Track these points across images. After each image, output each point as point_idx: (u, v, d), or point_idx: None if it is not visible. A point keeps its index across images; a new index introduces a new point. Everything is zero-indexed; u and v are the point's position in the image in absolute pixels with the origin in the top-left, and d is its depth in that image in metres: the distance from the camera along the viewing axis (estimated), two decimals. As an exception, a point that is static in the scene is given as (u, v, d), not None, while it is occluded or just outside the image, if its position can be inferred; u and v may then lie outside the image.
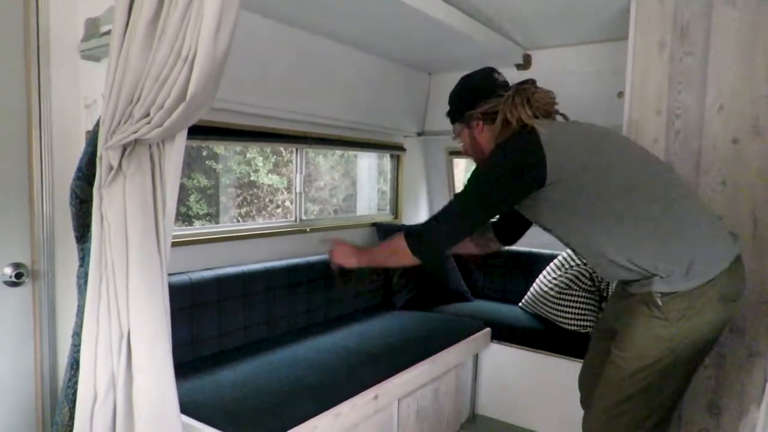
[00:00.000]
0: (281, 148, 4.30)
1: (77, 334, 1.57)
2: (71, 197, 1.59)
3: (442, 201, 3.68)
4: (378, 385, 2.38)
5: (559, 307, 3.15)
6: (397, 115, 3.81)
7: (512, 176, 1.69)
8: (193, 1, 1.25)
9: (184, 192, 4.20)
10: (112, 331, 1.47)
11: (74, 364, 1.58)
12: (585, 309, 3.09)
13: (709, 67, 2.18)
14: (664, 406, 1.68)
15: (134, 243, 1.43)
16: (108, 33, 1.64)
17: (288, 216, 3.59)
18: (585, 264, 3.18)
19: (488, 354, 3.28)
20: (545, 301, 3.24)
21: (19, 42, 1.81)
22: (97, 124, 1.50)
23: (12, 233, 1.84)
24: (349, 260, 2.05)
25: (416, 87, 3.87)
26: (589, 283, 3.15)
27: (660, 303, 1.59)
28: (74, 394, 1.56)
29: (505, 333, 3.24)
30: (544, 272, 3.40)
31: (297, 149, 3.38)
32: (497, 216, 2.11)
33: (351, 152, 4.45)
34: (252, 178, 4.98)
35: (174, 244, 1.58)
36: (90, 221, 1.53)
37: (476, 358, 3.28)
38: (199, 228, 3.22)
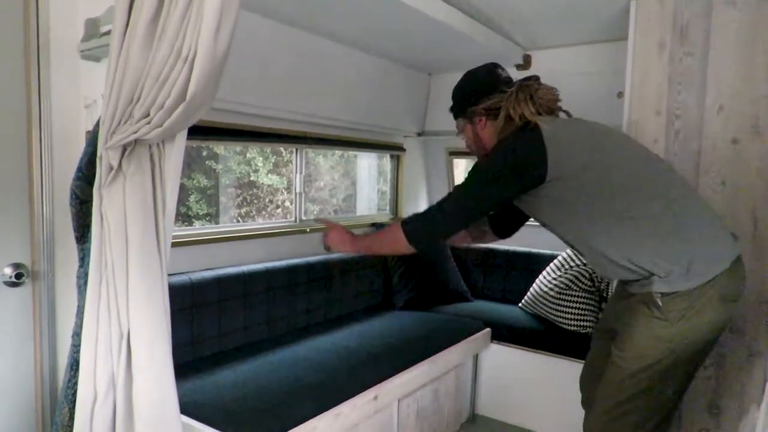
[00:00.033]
0: (281, 149, 4.30)
1: (77, 335, 1.57)
2: (71, 197, 1.59)
3: (442, 201, 3.67)
4: (378, 386, 2.38)
5: (559, 308, 3.15)
6: (397, 116, 3.81)
7: (513, 172, 1.69)
8: (193, 1, 1.25)
9: (184, 192, 4.20)
10: (112, 332, 1.46)
11: (74, 365, 1.58)
12: (585, 309, 3.09)
13: (708, 68, 2.18)
14: (665, 407, 1.68)
15: (134, 243, 1.43)
16: (108, 33, 1.64)
17: (288, 216, 3.59)
18: (585, 264, 3.18)
19: (488, 354, 3.28)
20: (545, 302, 3.24)
21: (19, 42, 1.81)
22: (97, 124, 1.50)
23: (12, 233, 1.84)
24: (344, 246, 2.03)
25: (416, 87, 3.87)
26: (589, 283, 3.15)
27: (660, 303, 1.59)
28: (74, 394, 1.56)
29: (505, 333, 3.24)
30: (544, 272, 3.40)
31: (297, 149, 3.38)
32: (495, 210, 2.11)
33: (351, 152, 4.45)
34: (252, 179, 4.98)
35: (174, 245, 1.58)
36: (90, 221, 1.53)
37: (476, 358, 3.28)
38: (199, 228, 3.22)
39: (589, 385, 1.98)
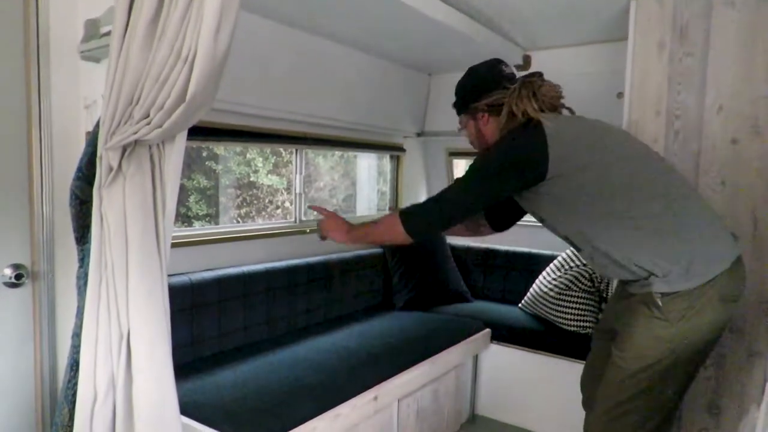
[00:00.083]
0: (281, 149, 4.30)
1: (77, 335, 1.57)
2: (71, 198, 1.59)
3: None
4: (378, 386, 2.38)
5: (559, 308, 3.15)
6: (396, 116, 3.81)
7: (514, 168, 1.69)
8: (193, 2, 1.25)
9: (183, 193, 4.20)
10: (111, 332, 1.46)
11: (74, 365, 1.58)
12: (585, 310, 3.09)
13: (708, 68, 2.19)
14: (665, 407, 1.68)
15: (134, 244, 1.43)
16: (108, 34, 1.64)
17: (288, 217, 3.60)
18: (585, 265, 3.18)
19: (488, 355, 3.28)
20: (545, 302, 3.24)
21: (19, 42, 1.81)
22: (97, 125, 1.50)
23: (12, 234, 1.84)
24: (339, 234, 2.00)
25: (416, 87, 3.87)
26: (589, 283, 3.15)
27: (660, 303, 1.59)
28: (74, 395, 1.56)
29: (505, 334, 3.24)
30: (544, 273, 3.40)
31: (297, 150, 3.38)
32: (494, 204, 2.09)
33: (351, 153, 4.45)
34: (252, 179, 4.98)
35: (174, 245, 1.58)
36: (90, 222, 1.53)
37: (476, 358, 3.28)
38: (199, 229, 3.22)
39: (589, 385, 1.98)
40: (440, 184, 4.32)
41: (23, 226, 1.86)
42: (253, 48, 2.59)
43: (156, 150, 1.47)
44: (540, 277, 3.41)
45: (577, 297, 3.12)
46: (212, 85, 1.32)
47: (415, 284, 3.58)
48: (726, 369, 2.19)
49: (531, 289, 3.44)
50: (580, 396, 2.07)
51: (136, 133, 1.38)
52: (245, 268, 2.81)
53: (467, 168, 1.80)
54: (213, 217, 4.71)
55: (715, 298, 1.58)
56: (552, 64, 3.28)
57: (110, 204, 1.45)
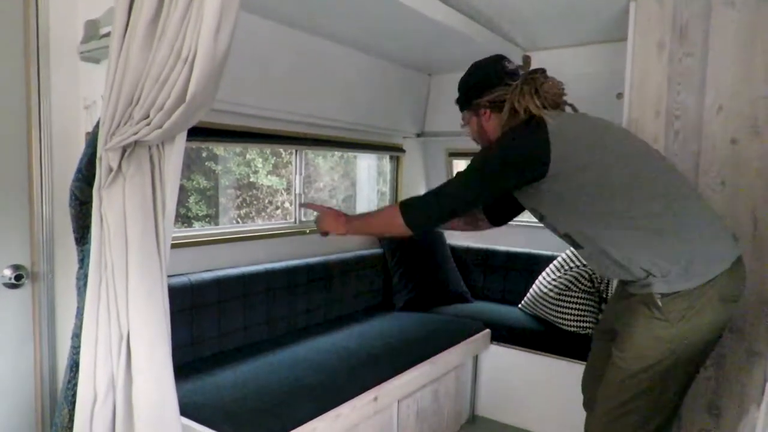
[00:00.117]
0: (281, 150, 4.30)
1: (77, 336, 1.57)
2: (71, 198, 1.59)
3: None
4: (378, 387, 2.38)
5: (559, 309, 3.15)
6: (396, 116, 3.82)
7: (515, 165, 1.69)
8: (193, 2, 1.25)
9: (183, 193, 4.20)
10: (111, 333, 1.46)
11: (74, 366, 1.58)
12: (585, 310, 3.09)
13: (708, 68, 2.19)
14: (666, 408, 1.67)
15: (134, 244, 1.43)
16: (107, 35, 1.64)
17: (287, 217, 3.59)
18: (585, 265, 3.18)
19: (488, 355, 3.28)
20: (545, 303, 3.24)
21: (19, 43, 1.81)
22: (97, 126, 1.50)
23: (11, 235, 1.84)
24: (338, 228, 1.99)
25: (416, 88, 3.87)
26: (589, 284, 3.15)
27: (660, 304, 1.59)
28: (74, 395, 1.56)
29: (505, 334, 3.24)
30: (544, 273, 3.40)
31: (296, 150, 3.38)
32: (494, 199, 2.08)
33: (350, 153, 4.45)
34: (251, 180, 4.97)
35: (174, 246, 1.58)
36: (89, 223, 1.53)
37: (476, 359, 3.28)
38: (199, 230, 3.22)
39: (590, 386, 1.98)
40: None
41: (23, 227, 1.86)
42: (253, 48, 2.59)
43: (156, 151, 1.47)
44: (540, 277, 3.41)
45: (577, 297, 3.12)
46: (212, 86, 1.32)
47: (415, 285, 3.58)
48: (726, 369, 2.19)
49: (531, 290, 3.44)
50: (580, 396, 2.07)
51: (135, 133, 1.38)
52: (245, 269, 2.81)
53: (469, 162, 1.79)
54: (213, 218, 4.71)
55: (715, 299, 1.58)
56: (552, 64, 3.25)
57: (110, 205, 1.45)
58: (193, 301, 2.51)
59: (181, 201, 4.15)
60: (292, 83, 2.90)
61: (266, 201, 5.15)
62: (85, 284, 1.53)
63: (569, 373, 2.86)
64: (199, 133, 2.53)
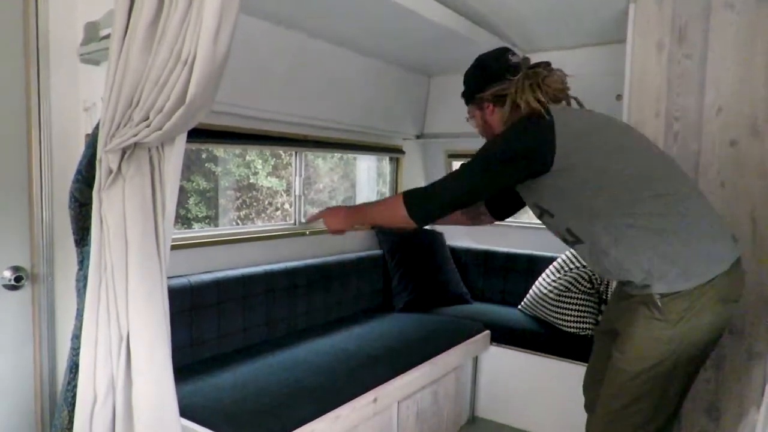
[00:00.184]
0: (280, 151, 4.30)
1: (76, 337, 1.57)
2: (70, 200, 1.59)
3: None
4: (377, 388, 2.38)
5: (559, 310, 3.15)
6: (396, 118, 3.82)
7: (520, 157, 1.68)
8: (193, 4, 1.25)
9: (183, 195, 4.20)
10: (111, 334, 1.46)
11: (73, 368, 1.58)
12: (584, 311, 3.09)
13: (707, 69, 2.19)
14: (666, 409, 1.67)
15: (134, 246, 1.43)
16: (107, 37, 1.64)
17: (287, 219, 3.59)
18: (584, 266, 3.18)
19: (488, 356, 3.28)
20: (545, 304, 3.25)
21: (19, 43, 1.81)
22: (97, 127, 1.50)
23: (11, 236, 1.84)
24: (343, 223, 1.99)
25: (415, 89, 3.87)
26: (589, 285, 3.15)
27: (659, 304, 1.59)
28: (73, 397, 1.56)
29: (505, 335, 3.24)
30: (544, 274, 3.40)
31: (296, 152, 3.38)
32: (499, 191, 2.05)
33: (350, 155, 4.45)
34: (251, 181, 4.98)
35: (173, 247, 1.58)
36: (89, 224, 1.53)
37: (476, 360, 3.28)
38: (199, 231, 3.22)
39: (592, 388, 1.97)
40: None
41: (23, 229, 1.86)
42: (253, 50, 2.59)
43: (155, 152, 1.47)
44: (540, 278, 3.41)
45: (577, 299, 3.12)
46: (212, 88, 1.32)
47: (415, 286, 3.59)
48: (725, 371, 2.19)
49: (531, 291, 3.44)
50: (580, 398, 2.07)
51: (135, 135, 1.38)
52: (245, 270, 2.81)
53: (475, 153, 1.77)
54: (212, 219, 4.71)
55: (714, 299, 1.58)
56: (551, 66, 3.28)
57: (110, 206, 1.45)
58: (192, 303, 2.51)
59: (181, 202, 4.16)
60: (292, 85, 2.91)
61: (266, 202, 5.15)
62: (84, 286, 1.53)
63: (569, 374, 2.86)
64: (198, 134, 2.53)
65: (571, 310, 3.11)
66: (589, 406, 2.01)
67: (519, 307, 3.53)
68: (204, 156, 4.41)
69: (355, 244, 3.67)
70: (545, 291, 3.27)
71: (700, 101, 2.21)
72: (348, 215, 1.99)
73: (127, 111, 1.40)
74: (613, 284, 2.21)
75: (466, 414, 3.28)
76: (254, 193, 5.04)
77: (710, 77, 2.18)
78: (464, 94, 1.99)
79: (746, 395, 2.15)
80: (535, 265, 3.63)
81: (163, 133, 1.36)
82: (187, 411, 1.89)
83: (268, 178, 5.04)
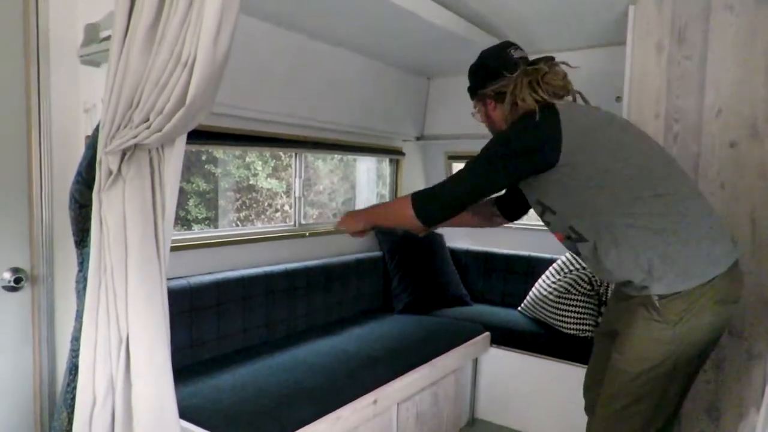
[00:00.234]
0: (280, 153, 4.30)
1: (76, 339, 1.57)
2: (70, 201, 1.59)
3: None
4: (377, 389, 2.38)
5: (559, 311, 3.15)
6: (396, 120, 3.82)
7: (527, 152, 1.67)
8: (193, 6, 1.25)
9: (183, 196, 4.20)
10: (111, 336, 1.46)
11: (73, 369, 1.58)
12: (584, 313, 3.09)
13: (707, 71, 2.19)
14: (666, 410, 1.67)
15: (133, 247, 1.43)
16: (107, 38, 1.65)
17: (287, 220, 3.59)
18: (584, 268, 3.18)
19: (487, 358, 3.28)
20: (544, 305, 3.24)
21: (19, 44, 1.81)
22: (97, 129, 1.50)
23: (11, 238, 1.84)
24: (357, 224, 2.01)
25: (415, 91, 3.87)
26: (588, 287, 3.15)
27: (658, 305, 1.59)
28: (73, 399, 1.55)
29: (505, 337, 3.24)
30: (544, 276, 3.40)
31: (296, 153, 3.38)
32: (505, 188, 2.04)
33: (350, 156, 4.45)
34: (251, 182, 4.98)
35: (173, 249, 1.58)
36: (89, 225, 1.53)
37: (475, 362, 3.28)
38: (199, 232, 3.22)
39: (592, 389, 1.97)
40: (439, 188, 4.32)
41: (22, 230, 1.86)
42: (253, 51, 2.59)
43: (155, 154, 1.47)
44: (539, 280, 3.41)
45: (577, 300, 3.12)
46: (212, 89, 1.32)
47: (415, 287, 3.58)
48: (725, 372, 2.19)
49: (530, 293, 3.44)
50: (580, 399, 2.06)
51: (135, 137, 1.38)
52: (244, 272, 2.81)
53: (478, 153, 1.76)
54: (212, 221, 4.71)
55: (713, 300, 1.58)
56: (551, 67, 3.28)
57: (110, 208, 1.45)
58: (192, 304, 2.51)
59: (181, 204, 4.16)
60: (292, 86, 2.91)
61: (266, 204, 5.15)
62: (84, 287, 1.53)
63: (569, 376, 2.86)
64: (198, 136, 2.53)
65: (571, 311, 3.10)
66: (589, 409, 2.00)
67: (519, 308, 3.53)
68: (204, 157, 4.42)
69: (354, 246, 3.67)
70: (545, 293, 3.27)
71: (699, 102, 2.21)
72: (362, 217, 2.00)
73: (127, 112, 1.40)
74: (613, 286, 2.21)
75: (465, 416, 3.28)
76: (254, 194, 5.04)
77: (710, 78, 2.19)
78: (468, 89, 1.99)
79: (746, 396, 2.15)
80: (535, 267, 3.63)
81: (163, 135, 1.36)
82: (186, 412, 1.89)
83: (268, 179, 5.04)
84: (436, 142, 4.09)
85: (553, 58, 1.80)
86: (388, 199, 4.26)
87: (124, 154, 1.44)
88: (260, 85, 2.72)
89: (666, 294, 1.58)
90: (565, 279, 3.21)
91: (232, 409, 2.01)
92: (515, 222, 2.26)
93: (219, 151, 4.32)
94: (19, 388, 1.89)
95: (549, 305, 3.21)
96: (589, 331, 3.03)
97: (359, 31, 2.78)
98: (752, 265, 2.07)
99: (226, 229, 3.83)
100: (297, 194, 3.40)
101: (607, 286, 3.11)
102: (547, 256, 3.57)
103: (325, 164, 5.00)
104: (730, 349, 2.16)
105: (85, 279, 1.53)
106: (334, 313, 3.31)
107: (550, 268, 3.38)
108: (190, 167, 4.32)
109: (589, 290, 3.14)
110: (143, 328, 1.44)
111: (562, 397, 2.89)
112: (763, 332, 2.11)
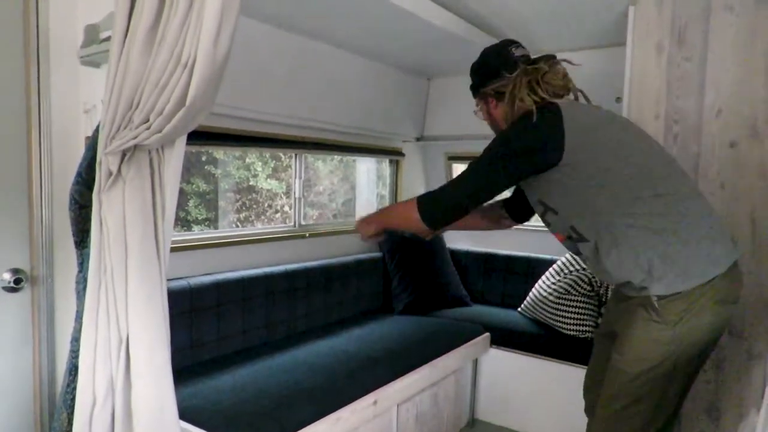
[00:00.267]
0: (280, 153, 4.30)
1: (76, 340, 1.57)
2: (70, 202, 1.59)
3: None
4: (377, 390, 2.38)
5: (559, 312, 3.15)
6: (395, 120, 3.82)
7: (529, 151, 1.66)
8: (193, 7, 1.25)
9: (183, 197, 4.20)
10: (111, 337, 1.46)
11: (73, 370, 1.58)
12: (584, 314, 3.09)
13: (707, 71, 2.19)
14: (666, 410, 1.67)
15: (133, 248, 1.43)
16: (107, 39, 1.65)
17: (287, 221, 3.60)
18: (584, 269, 3.18)
19: (487, 359, 3.28)
20: (544, 306, 3.24)
21: (19, 44, 1.81)
22: (97, 130, 1.50)
23: (11, 238, 1.84)
24: (369, 227, 2.01)
25: (415, 92, 3.87)
26: (588, 288, 3.15)
27: (657, 306, 1.58)
28: (72, 400, 1.55)
29: (505, 338, 3.24)
30: (543, 277, 3.40)
31: (296, 154, 3.38)
32: (509, 189, 2.02)
33: (350, 157, 4.46)
34: (251, 183, 4.98)
35: (173, 250, 1.58)
36: (89, 226, 1.53)
37: (475, 362, 3.28)
38: (198, 233, 3.22)
39: (592, 390, 1.97)
40: (439, 188, 4.32)
41: (22, 231, 1.86)
42: (252, 52, 2.59)
43: (155, 154, 1.47)
44: (539, 281, 3.41)
45: (577, 301, 3.12)
46: (212, 90, 1.32)
47: (415, 288, 3.58)
48: (725, 372, 2.19)
49: (530, 294, 3.44)
50: (579, 400, 2.06)
51: (135, 137, 1.38)
52: (244, 273, 2.81)
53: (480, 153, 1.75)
54: (212, 222, 4.71)
55: (712, 300, 1.57)
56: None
57: (110, 208, 1.45)
58: (192, 305, 2.51)
59: (181, 205, 4.16)
60: (292, 87, 2.91)
61: (266, 205, 5.15)
62: (84, 288, 1.53)
63: (569, 376, 2.86)
64: (198, 136, 2.53)
65: (571, 312, 3.10)
66: (589, 409, 2.00)
67: (519, 309, 3.53)
68: (204, 158, 4.42)
69: (354, 247, 3.67)
70: (545, 293, 3.27)
71: (699, 103, 2.21)
72: (372, 221, 2.01)
73: (127, 113, 1.40)
74: (612, 286, 2.21)
75: (465, 416, 3.28)
76: (254, 195, 5.04)
77: (710, 79, 2.19)
78: (470, 87, 1.98)
79: (746, 396, 2.15)
80: (534, 268, 3.63)
81: (163, 136, 1.36)
82: (186, 413, 1.89)
83: (268, 180, 5.05)
84: (436, 143, 4.09)
85: (554, 57, 1.79)
86: (387, 200, 4.27)
87: (124, 154, 1.44)
88: (260, 86, 2.72)
89: (665, 294, 1.58)
90: (565, 280, 3.21)
91: (232, 409, 2.01)
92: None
93: (219, 152, 4.32)
94: (19, 388, 1.89)
95: (549, 306, 3.21)
96: (589, 332, 3.03)
97: (359, 32, 2.79)
98: (752, 265, 2.07)
99: (226, 230, 3.83)
100: (297, 195, 3.40)
101: (607, 287, 3.10)
102: (547, 257, 3.57)
103: (325, 165, 5.01)
104: (730, 349, 2.16)
105: (85, 280, 1.53)
106: (334, 313, 3.31)
107: (550, 269, 3.38)
108: (190, 168, 4.32)
109: (589, 291, 3.14)
110: (143, 328, 1.44)
111: (562, 398, 2.89)
112: (763, 332, 2.11)
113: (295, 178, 3.41)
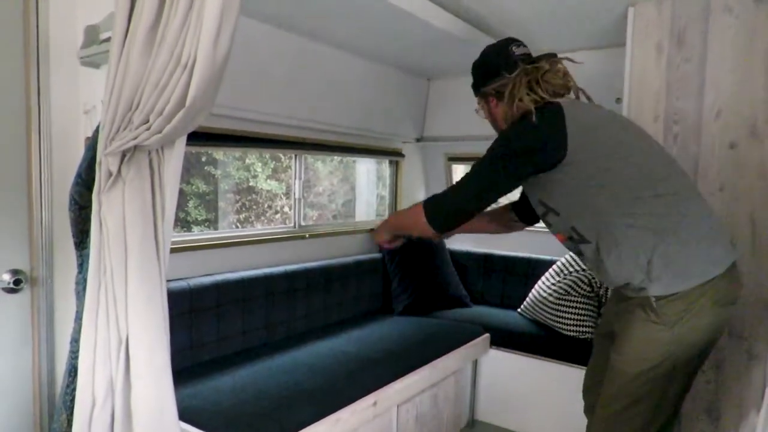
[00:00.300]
0: (280, 154, 4.30)
1: (75, 341, 1.57)
2: (70, 203, 1.59)
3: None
4: (377, 391, 2.37)
5: (558, 313, 3.15)
6: (395, 121, 3.82)
7: (532, 151, 1.66)
8: (193, 8, 1.25)
9: (182, 198, 4.20)
10: (110, 337, 1.46)
11: (72, 371, 1.58)
12: (584, 315, 3.09)
13: (706, 72, 2.19)
14: (666, 411, 1.67)
15: (133, 249, 1.43)
16: (107, 40, 1.65)
17: (287, 222, 3.60)
18: (584, 269, 3.18)
19: (487, 359, 3.27)
20: (544, 307, 3.24)
21: (19, 45, 1.81)
22: (97, 130, 1.50)
23: (10, 239, 1.84)
24: (382, 236, 2.09)
25: (415, 93, 3.87)
26: (588, 288, 3.15)
27: (656, 306, 1.58)
28: (72, 400, 1.55)
29: (505, 339, 3.24)
30: (543, 278, 3.40)
31: (296, 155, 3.38)
32: (512, 189, 1.98)
33: (350, 158, 4.46)
34: (251, 184, 4.99)
35: (173, 250, 1.58)
36: (89, 227, 1.53)
37: (475, 363, 3.28)
38: (198, 234, 3.21)
39: (592, 391, 1.97)
40: (439, 189, 4.30)
41: (22, 231, 1.86)
42: (252, 53, 2.59)
43: (155, 155, 1.47)
44: (539, 282, 3.41)
45: (577, 302, 3.12)
46: (212, 91, 1.32)
47: (414, 289, 3.58)
48: (725, 373, 2.19)
49: (530, 294, 3.44)
50: (579, 401, 2.07)
51: (135, 138, 1.39)
52: (244, 273, 2.81)
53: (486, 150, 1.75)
54: (212, 222, 4.72)
55: (711, 301, 1.57)
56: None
57: (109, 209, 1.45)
58: (192, 306, 2.51)
59: (181, 205, 4.16)
60: (292, 88, 2.91)
61: (265, 205, 5.16)
62: (84, 289, 1.53)
63: (568, 377, 2.86)
64: (198, 137, 2.52)
65: (571, 313, 3.10)
66: (589, 410, 2.00)
67: (518, 310, 3.52)
68: (204, 159, 4.42)
69: (354, 247, 3.67)
70: (545, 294, 3.27)
71: (699, 104, 2.21)
72: (385, 227, 2.06)
73: (127, 114, 1.40)
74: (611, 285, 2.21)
75: (465, 417, 3.28)
76: (254, 196, 5.04)
77: (709, 80, 2.19)
78: (472, 86, 1.98)
79: (746, 396, 2.15)
80: (534, 269, 3.63)
81: (163, 136, 1.36)
82: (186, 414, 1.89)
83: (268, 181, 5.05)
84: (436, 144, 4.09)
85: (555, 55, 1.79)
86: (387, 201, 4.27)
87: (123, 155, 1.44)
88: (260, 86, 2.72)
89: (664, 295, 1.58)
90: (565, 280, 3.21)
91: (231, 410, 2.01)
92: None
93: (219, 153, 4.33)
94: (19, 389, 1.89)
95: (549, 307, 3.21)
96: (588, 332, 3.03)
97: (359, 32, 2.79)
98: (752, 265, 2.07)
99: (225, 230, 3.83)
100: (297, 196, 3.40)
101: (607, 288, 3.10)
102: (547, 257, 3.57)
103: (324, 166, 5.01)
104: (730, 350, 2.16)
105: (85, 280, 1.53)
106: (333, 314, 3.31)
107: (550, 270, 3.38)
108: (189, 169, 4.32)
109: (588, 292, 3.14)
110: (143, 329, 1.44)
111: (561, 399, 2.89)
112: (763, 333, 2.11)
113: (295, 178, 3.41)
